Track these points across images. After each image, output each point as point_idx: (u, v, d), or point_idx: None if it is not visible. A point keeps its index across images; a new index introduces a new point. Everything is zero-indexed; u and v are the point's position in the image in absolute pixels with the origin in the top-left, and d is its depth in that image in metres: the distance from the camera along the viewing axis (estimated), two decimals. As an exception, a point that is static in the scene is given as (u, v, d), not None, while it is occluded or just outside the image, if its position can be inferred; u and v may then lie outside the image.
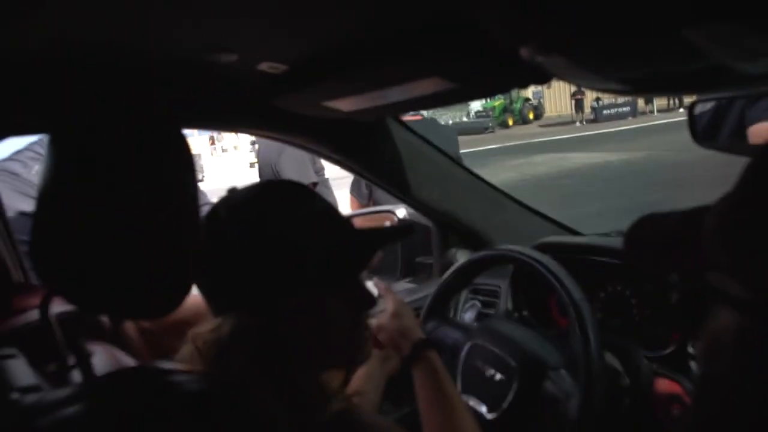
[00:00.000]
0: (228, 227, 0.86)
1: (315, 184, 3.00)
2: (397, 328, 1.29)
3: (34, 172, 1.82)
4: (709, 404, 0.37)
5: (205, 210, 0.88)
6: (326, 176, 3.44)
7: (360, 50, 1.07)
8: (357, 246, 0.93)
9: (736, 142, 1.42)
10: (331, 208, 0.94)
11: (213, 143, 41.23)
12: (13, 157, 1.90)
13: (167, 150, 0.77)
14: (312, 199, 0.92)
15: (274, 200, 0.90)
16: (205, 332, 0.88)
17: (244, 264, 0.85)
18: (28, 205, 0.77)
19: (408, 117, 3.33)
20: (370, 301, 0.95)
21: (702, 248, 0.35)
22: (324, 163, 3.30)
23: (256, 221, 0.86)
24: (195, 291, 0.85)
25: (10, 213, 1.53)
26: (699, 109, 1.35)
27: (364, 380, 1.27)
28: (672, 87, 0.80)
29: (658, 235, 0.38)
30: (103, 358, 0.98)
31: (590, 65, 0.75)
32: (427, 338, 1.29)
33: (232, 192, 0.92)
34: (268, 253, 0.85)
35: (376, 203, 2.93)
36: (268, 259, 0.85)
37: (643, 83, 0.77)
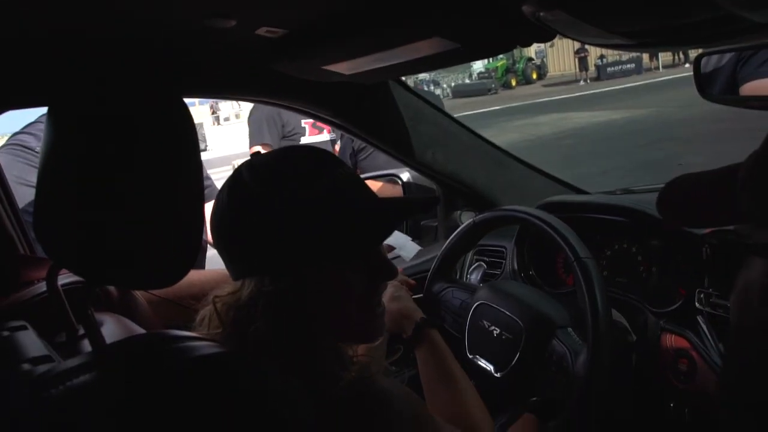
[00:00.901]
0: (252, 192, 0.85)
1: (269, 145, 3.02)
2: (398, 310, 1.30)
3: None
4: (743, 355, 0.37)
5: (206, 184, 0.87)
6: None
7: (359, 12, 1.05)
8: (381, 215, 0.92)
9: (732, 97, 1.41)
10: (355, 177, 0.93)
11: (214, 112, 41.00)
12: (26, 129, 1.90)
13: (169, 119, 0.76)
14: (337, 166, 0.90)
15: (298, 165, 0.88)
16: (225, 295, 0.88)
17: (267, 228, 0.83)
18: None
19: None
20: (391, 271, 0.95)
21: (735, 203, 0.36)
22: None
23: (281, 186, 0.85)
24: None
25: (25, 187, 1.53)
26: (704, 62, 1.33)
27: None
28: (676, 40, 0.79)
29: (693, 194, 0.38)
30: (112, 327, 0.99)
31: (593, 19, 0.74)
32: (428, 318, 1.29)
33: (257, 156, 0.90)
34: (292, 218, 0.83)
35: (362, 173, 2.91)
36: (291, 225, 0.83)
37: (647, 36, 0.76)
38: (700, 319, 1.30)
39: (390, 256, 2.00)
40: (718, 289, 1.27)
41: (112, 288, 1.17)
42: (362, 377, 0.86)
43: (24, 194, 1.45)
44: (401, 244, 2.10)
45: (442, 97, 26.89)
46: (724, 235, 0.35)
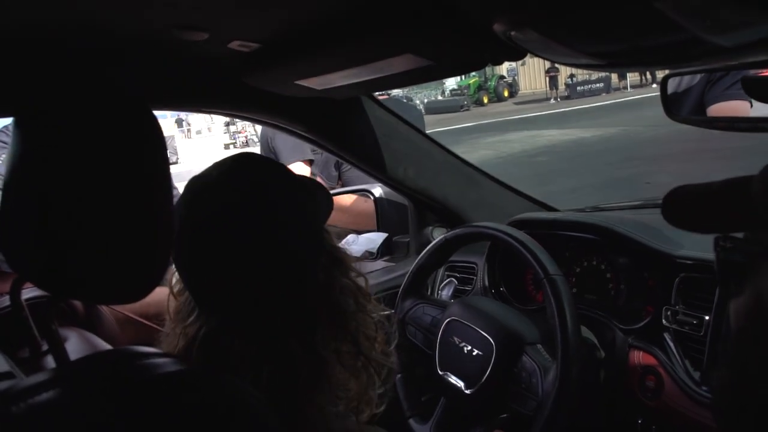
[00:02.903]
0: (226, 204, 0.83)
1: (311, 161, 2.94)
2: None
3: (1, 161, 1.78)
4: (750, 364, 0.38)
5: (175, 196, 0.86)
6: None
7: (331, 28, 1.05)
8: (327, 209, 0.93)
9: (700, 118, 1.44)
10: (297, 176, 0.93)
11: (180, 126, 40.53)
12: None
13: (137, 131, 0.75)
14: (285, 168, 0.91)
15: (263, 171, 0.88)
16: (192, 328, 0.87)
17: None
18: None
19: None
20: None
21: (746, 210, 0.36)
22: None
23: (258, 192, 0.84)
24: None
25: None
26: (671, 83, 1.36)
27: None
28: (644, 61, 0.80)
29: (700, 199, 0.39)
30: (77, 343, 0.97)
31: (563, 39, 0.75)
32: None
33: (211, 169, 0.88)
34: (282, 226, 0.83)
35: (345, 185, 2.90)
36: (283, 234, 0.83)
37: (616, 57, 0.77)
38: (666, 336, 1.32)
39: (373, 268, 2.01)
40: (686, 303, 1.29)
41: (77, 302, 1.15)
42: (348, 417, 0.85)
43: None
44: (367, 242, 2.11)
45: (414, 113, 27.06)
46: (737, 241, 0.36)
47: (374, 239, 2.15)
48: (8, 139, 0.76)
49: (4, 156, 1.77)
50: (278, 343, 0.83)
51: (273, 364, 0.83)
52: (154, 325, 0.93)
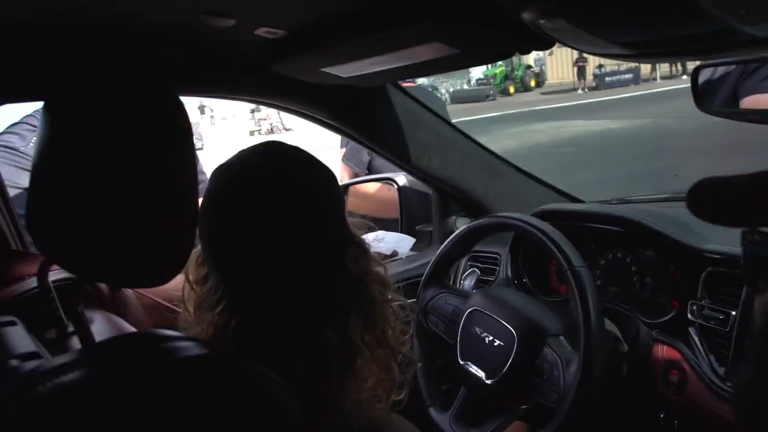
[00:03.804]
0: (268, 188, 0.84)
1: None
2: None
3: (31, 144, 1.81)
4: None
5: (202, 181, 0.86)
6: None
7: (359, 15, 1.05)
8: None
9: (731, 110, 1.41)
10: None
11: (203, 112, 40.64)
12: (10, 130, 1.89)
13: (163, 117, 0.76)
14: (314, 157, 0.91)
15: (296, 159, 0.88)
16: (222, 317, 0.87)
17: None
18: (27, 179, 0.76)
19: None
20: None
21: None
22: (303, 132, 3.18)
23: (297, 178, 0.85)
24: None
25: (11, 188, 1.52)
26: (702, 74, 1.33)
27: None
28: (675, 51, 0.79)
29: (727, 192, 0.39)
30: (102, 325, 0.99)
31: (593, 29, 0.74)
32: None
33: (242, 157, 0.88)
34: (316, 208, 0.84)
35: (374, 172, 2.90)
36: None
37: (646, 47, 0.76)
38: (692, 330, 1.30)
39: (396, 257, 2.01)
40: (713, 298, 1.27)
41: (103, 285, 1.16)
42: (369, 406, 0.86)
43: (11, 196, 1.44)
44: (396, 241, 2.11)
45: (440, 102, 27.00)
46: (766, 236, 0.35)
47: (403, 244, 2.14)
48: (38, 123, 0.77)
49: (34, 140, 1.80)
50: (312, 334, 0.84)
51: (309, 354, 0.83)
52: (180, 310, 0.94)
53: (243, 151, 0.88)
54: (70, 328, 0.95)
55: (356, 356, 0.87)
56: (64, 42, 1.11)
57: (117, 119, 0.72)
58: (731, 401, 1.15)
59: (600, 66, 29.98)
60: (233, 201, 0.83)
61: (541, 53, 31.89)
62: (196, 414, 0.65)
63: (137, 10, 1.00)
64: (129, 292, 1.22)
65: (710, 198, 0.39)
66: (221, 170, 0.86)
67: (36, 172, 0.74)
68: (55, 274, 0.97)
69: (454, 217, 2.03)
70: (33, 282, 1.03)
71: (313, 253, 0.83)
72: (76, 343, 0.91)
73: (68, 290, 0.94)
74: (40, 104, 0.76)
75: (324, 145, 2.95)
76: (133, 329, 1.05)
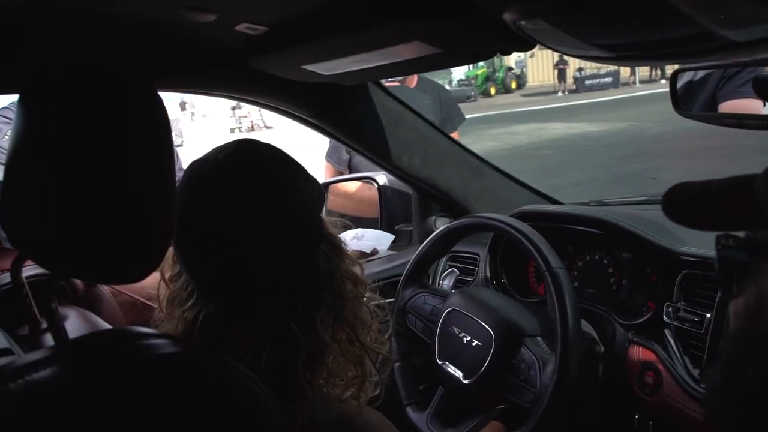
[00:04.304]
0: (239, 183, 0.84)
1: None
2: None
3: (6, 137, 1.78)
4: (747, 364, 0.37)
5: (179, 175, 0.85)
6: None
7: (341, 13, 1.05)
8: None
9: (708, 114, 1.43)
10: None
11: (183, 108, 40.34)
12: None
13: (141, 112, 0.75)
14: (286, 154, 0.91)
15: (266, 156, 0.88)
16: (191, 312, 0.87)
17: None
18: (1, 173, 0.75)
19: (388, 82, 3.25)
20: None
21: (748, 209, 0.36)
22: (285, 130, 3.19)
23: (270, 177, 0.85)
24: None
25: None
26: (683, 77, 1.35)
27: None
28: (654, 54, 0.79)
29: (701, 196, 0.39)
30: (76, 322, 0.97)
31: (573, 30, 0.74)
32: None
33: (214, 153, 0.88)
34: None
35: (354, 170, 2.89)
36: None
37: (626, 50, 0.77)
38: (667, 332, 1.32)
39: (375, 256, 2.01)
40: (688, 300, 1.29)
41: (78, 282, 1.15)
42: (345, 401, 0.86)
43: None
44: (376, 238, 2.11)
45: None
46: (739, 240, 0.35)
47: (383, 241, 2.15)
48: (13, 116, 0.76)
49: (9, 133, 1.77)
50: (279, 327, 0.84)
51: (273, 348, 0.83)
52: (155, 307, 0.93)
53: (217, 147, 0.88)
54: (44, 325, 0.93)
55: (324, 351, 0.87)
56: (40, 33, 1.09)
57: (93, 112, 0.71)
58: (702, 403, 1.17)
59: (580, 69, 30.23)
60: (203, 196, 0.84)
61: (522, 55, 32.08)
62: (170, 413, 0.64)
63: (116, 5, 0.99)
64: (105, 289, 1.21)
65: (685, 202, 0.39)
66: (194, 166, 0.86)
67: (10, 166, 0.73)
68: (29, 269, 0.96)
69: (433, 217, 2.03)
70: (6, 277, 1.01)
71: (283, 249, 0.83)
72: (49, 339, 0.89)
73: (42, 286, 0.93)
74: (15, 97, 0.75)
75: (305, 143, 2.94)
76: (107, 326, 1.04)
